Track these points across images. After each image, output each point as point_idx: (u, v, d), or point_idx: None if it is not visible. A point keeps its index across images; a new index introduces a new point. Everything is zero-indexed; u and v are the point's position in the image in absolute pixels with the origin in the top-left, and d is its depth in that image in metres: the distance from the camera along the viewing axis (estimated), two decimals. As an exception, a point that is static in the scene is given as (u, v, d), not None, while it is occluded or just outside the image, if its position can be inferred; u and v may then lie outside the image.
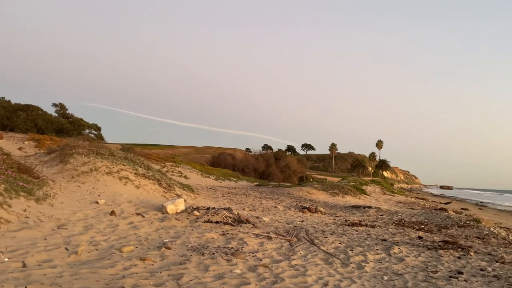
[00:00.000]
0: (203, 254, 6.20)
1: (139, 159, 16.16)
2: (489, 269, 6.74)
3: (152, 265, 5.45)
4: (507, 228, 19.95)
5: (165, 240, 7.04)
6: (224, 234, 7.97)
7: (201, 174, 32.86)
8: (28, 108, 37.29)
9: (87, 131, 43.76)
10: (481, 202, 58.11)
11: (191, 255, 6.10)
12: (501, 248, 9.41)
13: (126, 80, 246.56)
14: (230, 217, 9.45)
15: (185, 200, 11.45)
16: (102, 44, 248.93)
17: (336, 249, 7.67)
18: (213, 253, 6.30)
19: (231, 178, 37.46)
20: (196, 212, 9.58)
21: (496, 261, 7.44)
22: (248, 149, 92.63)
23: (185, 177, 28.28)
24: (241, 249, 6.86)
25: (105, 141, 47.86)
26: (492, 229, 14.18)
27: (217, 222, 9.05)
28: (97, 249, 6.06)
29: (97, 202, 9.71)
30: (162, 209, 9.74)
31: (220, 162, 53.99)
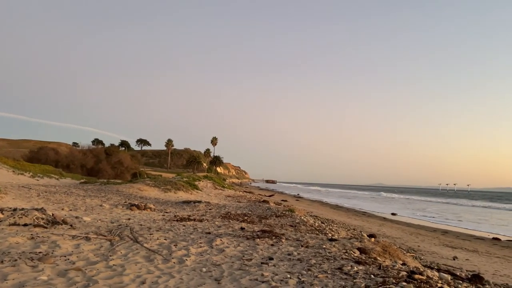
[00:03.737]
0: (2, 262, 5.36)
1: None
2: (295, 253, 7.61)
3: None
4: (315, 216, 23.09)
5: (-50, 250, 5.85)
6: (33, 238, 7.05)
7: (13, 171, 28.59)
8: None
9: None
10: (298, 194, 65.99)
11: (-15, 265, 5.21)
12: (307, 234, 10.78)
13: None
14: (42, 219, 8.45)
15: (-14, 201, 9.78)
16: None
17: (160, 245, 7.60)
18: (15, 260, 5.51)
19: (52, 175, 33.65)
20: (-2, 215, 8.26)
21: (302, 246, 8.45)
22: (75, 144, 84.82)
23: (-8, 174, 24.26)
24: (52, 253, 6.18)
25: None
26: (303, 217, 16.20)
27: (25, 225, 7.98)
28: None
29: None
30: (-49, 212, 8.10)
31: (41, 157, 47.90)
